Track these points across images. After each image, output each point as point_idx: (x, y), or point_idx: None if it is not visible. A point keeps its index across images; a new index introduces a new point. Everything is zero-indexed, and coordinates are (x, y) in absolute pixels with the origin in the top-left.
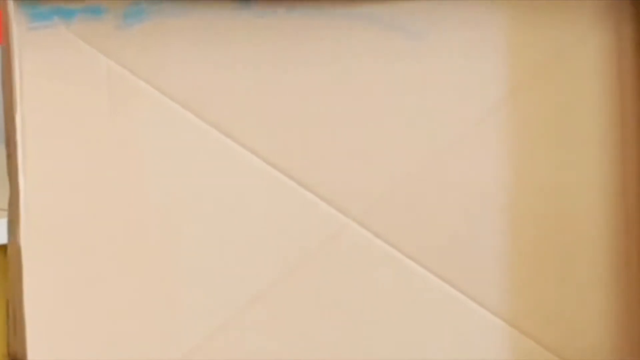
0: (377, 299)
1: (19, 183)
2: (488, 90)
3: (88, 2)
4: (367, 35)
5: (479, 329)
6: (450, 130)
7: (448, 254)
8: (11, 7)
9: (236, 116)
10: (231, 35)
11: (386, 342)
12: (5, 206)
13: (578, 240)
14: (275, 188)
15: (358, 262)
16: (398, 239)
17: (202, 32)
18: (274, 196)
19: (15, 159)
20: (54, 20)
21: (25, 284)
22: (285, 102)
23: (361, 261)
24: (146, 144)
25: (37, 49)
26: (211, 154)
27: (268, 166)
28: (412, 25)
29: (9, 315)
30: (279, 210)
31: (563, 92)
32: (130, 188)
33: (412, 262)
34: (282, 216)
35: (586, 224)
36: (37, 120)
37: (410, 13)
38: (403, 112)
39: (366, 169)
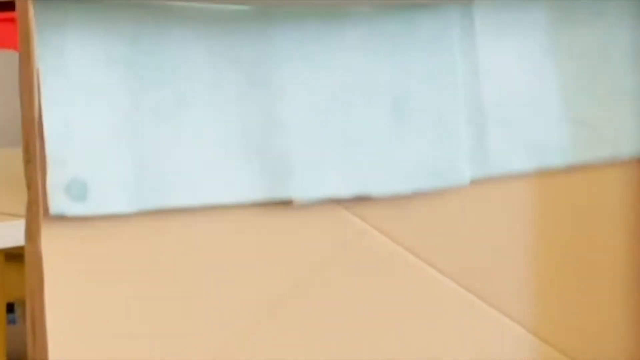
0: (395, 306)
1: (39, 189)
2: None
3: None
4: None
5: (498, 336)
6: None
7: (467, 260)
8: (31, 12)
9: None
10: None
11: (404, 350)
12: (8, 210)
13: (599, 249)
14: None
15: (377, 269)
16: (417, 246)
17: None
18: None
19: (34, 165)
20: None
21: (46, 290)
22: None
23: (380, 268)
24: None
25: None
26: None
27: None
28: None
29: (28, 322)
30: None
31: None
32: None
33: (430, 267)
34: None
35: (607, 232)
36: None
37: None
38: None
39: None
